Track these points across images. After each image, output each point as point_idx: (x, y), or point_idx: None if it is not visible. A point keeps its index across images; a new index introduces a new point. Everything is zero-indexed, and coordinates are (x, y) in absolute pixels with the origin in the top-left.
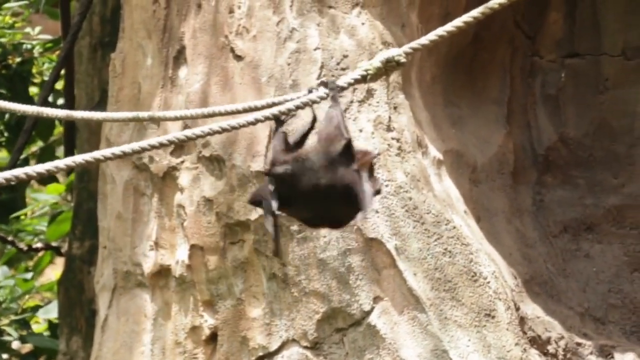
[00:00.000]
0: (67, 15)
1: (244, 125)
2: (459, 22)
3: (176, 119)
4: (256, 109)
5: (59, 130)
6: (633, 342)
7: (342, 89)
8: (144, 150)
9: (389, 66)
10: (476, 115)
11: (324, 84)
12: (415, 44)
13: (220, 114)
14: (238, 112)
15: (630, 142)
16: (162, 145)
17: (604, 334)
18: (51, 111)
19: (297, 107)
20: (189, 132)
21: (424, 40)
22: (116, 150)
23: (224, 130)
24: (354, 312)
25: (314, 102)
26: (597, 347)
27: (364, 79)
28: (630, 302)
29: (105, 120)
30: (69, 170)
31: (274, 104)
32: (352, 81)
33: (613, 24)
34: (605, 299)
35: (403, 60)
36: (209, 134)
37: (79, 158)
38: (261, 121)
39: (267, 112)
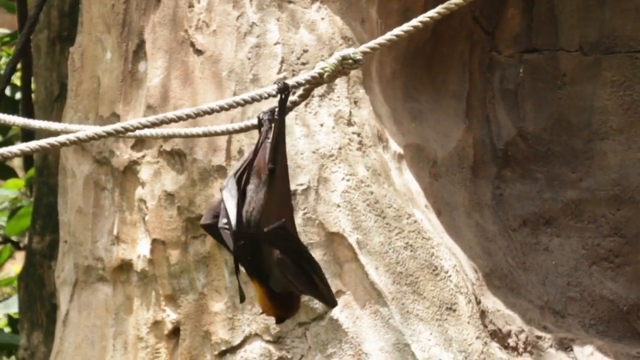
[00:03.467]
0: (24, 8)
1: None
2: (415, 22)
3: (134, 129)
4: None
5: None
6: (592, 334)
7: (305, 95)
8: (100, 137)
9: (346, 64)
10: (436, 109)
11: (284, 86)
12: (372, 43)
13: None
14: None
15: (587, 136)
16: (117, 133)
17: (564, 327)
18: (9, 118)
19: (246, 102)
20: (143, 120)
21: (382, 39)
22: (71, 136)
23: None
24: (316, 306)
25: (262, 97)
26: (557, 340)
27: (321, 77)
28: (589, 295)
29: (64, 131)
30: (25, 158)
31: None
32: (310, 78)
33: (570, 20)
34: (564, 292)
35: (359, 57)
36: (163, 121)
37: (33, 144)
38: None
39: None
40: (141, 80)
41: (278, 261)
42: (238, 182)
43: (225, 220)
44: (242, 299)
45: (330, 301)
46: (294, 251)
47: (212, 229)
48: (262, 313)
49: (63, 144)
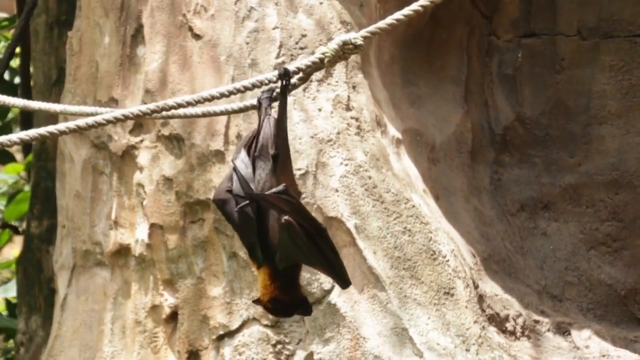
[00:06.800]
0: None
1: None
2: (416, 5)
3: (134, 117)
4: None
5: (16, 110)
6: (589, 319)
7: (304, 79)
8: (99, 125)
9: (346, 49)
10: (434, 94)
11: (285, 72)
12: (373, 28)
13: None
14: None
15: (585, 121)
16: (117, 120)
17: (561, 311)
18: (9, 100)
19: (247, 89)
20: (143, 108)
21: (382, 24)
22: (71, 124)
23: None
24: (314, 291)
25: (263, 83)
26: (555, 324)
27: (321, 62)
28: (587, 280)
29: (63, 112)
30: (23, 144)
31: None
32: (311, 64)
33: (568, 4)
34: (562, 277)
35: (360, 42)
36: (164, 108)
37: (33, 132)
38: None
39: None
40: (139, 65)
41: (284, 224)
42: (248, 152)
43: (239, 187)
44: (260, 265)
45: (343, 280)
46: (302, 219)
47: (224, 204)
48: (258, 301)
49: (63, 132)
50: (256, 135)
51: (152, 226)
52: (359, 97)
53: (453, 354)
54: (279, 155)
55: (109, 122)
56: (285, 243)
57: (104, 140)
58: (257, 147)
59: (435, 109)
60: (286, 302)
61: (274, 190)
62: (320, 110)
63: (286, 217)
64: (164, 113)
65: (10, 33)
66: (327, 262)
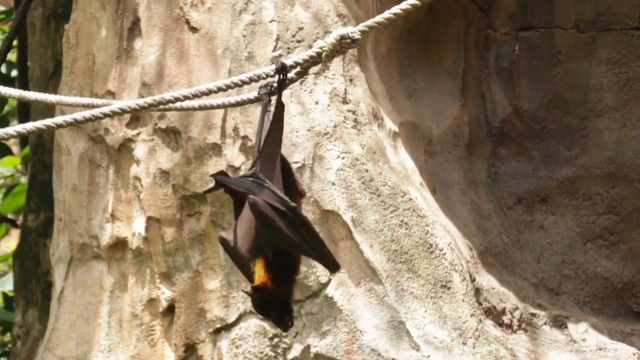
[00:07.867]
0: None
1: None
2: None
3: (132, 110)
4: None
5: (13, 102)
6: (586, 312)
7: (302, 73)
8: (96, 118)
9: (344, 43)
10: (431, 87)
11: (282, 66)
12: (371, 22)
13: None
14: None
15: (582, 114)
16: (114, 114)
17: (558, 304)
18: (5, 90)
19: (244, 83)
20: (141, 102)
21: (380, 18)
22: (68, 118)
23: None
24: (310, 284)
25: (260, 77)
26: (551, 317)
27: (319, 56)
28: (583, 273)
29: (59, 103)
30: (21, 137)
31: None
32: (308, 58)
33: None
34: (559, 270)
35: (358, 37)
36: (161, 102)
37: (30, 125)
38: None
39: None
40: (136, 58)
41: (250, 202)
42: None
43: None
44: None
45: (330, 263)
46: (275, 201)
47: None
48: (252, 293)
49: (60, 125)
50: (258, 133)
51: (149, 219)
52: (356, 90)
53: (450, 347)
54: (267, 148)
55: (106, 115)
56: (260, 227)
57: (100, 134)
58: (258, 146)
59: (432, 102)
60: (272, 292)
61: (241, 174)
62: (317, 103)
63: (251, 196)
64: (160, 105)
65: (7, 26)
66: (309, 247)
